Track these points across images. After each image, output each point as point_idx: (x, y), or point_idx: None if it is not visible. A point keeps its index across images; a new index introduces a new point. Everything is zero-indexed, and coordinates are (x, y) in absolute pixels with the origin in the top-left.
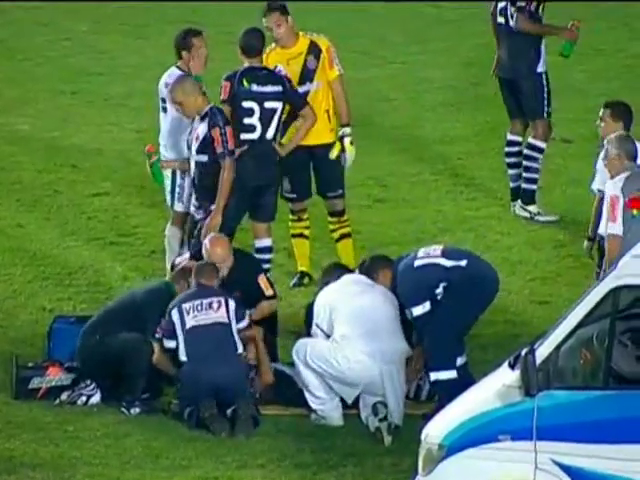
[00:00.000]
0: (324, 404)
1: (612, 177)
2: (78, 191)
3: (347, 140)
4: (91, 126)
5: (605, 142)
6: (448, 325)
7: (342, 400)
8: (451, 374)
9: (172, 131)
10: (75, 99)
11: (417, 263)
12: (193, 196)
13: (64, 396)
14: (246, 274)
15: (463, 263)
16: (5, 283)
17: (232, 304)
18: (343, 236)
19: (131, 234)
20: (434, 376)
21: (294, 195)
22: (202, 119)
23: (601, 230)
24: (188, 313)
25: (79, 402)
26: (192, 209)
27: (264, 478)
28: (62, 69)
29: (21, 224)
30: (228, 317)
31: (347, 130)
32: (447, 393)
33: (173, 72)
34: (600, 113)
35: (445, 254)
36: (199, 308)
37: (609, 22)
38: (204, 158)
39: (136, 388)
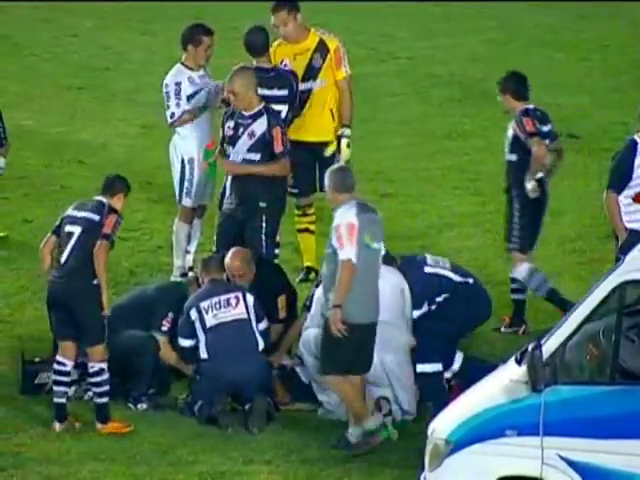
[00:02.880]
0: (330, 395)
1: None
2: (85, 186)
3: (344, 142)
4: (97, 121)
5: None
6: (440, 325)
7: None
8: (436, 367)
9: (186, 125)
10: (81, 95)
11: (428, 270)
12: (229, 193)
13: (71, 391)
14: (265, 291)
15: (471, 281)
16: (12, 278)
17: (250, 298)
18: None
19: (137, 229)
20: (420, 368)
21: (297, 190)
22: (255, 118)
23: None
24: (207, 312)
25: (86, 397)
26: (226, 206)
27: (270, 473)
28: (68, 65)
29: (28, 219)
30: (247, 312)
31: (346, 131)
32: (431, 386)
33: (178, 70)
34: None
35: (454, 269)
36: (217, 306)
37: (615, 18)
38: (256, 157)
39: (142, 384)
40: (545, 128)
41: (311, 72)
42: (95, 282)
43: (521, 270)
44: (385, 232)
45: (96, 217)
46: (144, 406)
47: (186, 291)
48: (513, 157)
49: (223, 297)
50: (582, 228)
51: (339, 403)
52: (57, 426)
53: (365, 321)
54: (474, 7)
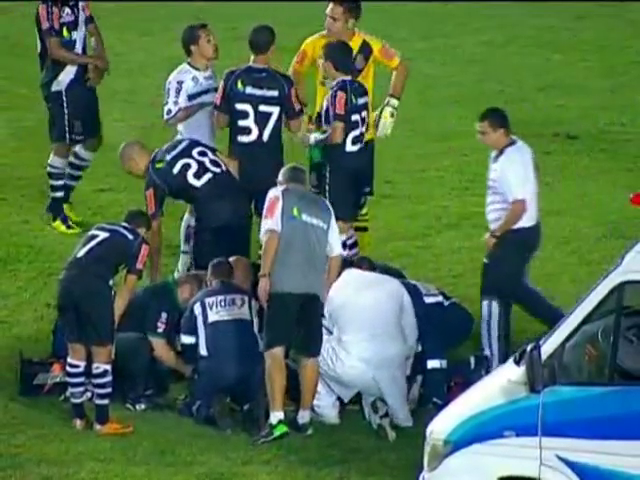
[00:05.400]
0: (320, 400)
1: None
2: (83, 187)
3: (388, 110)
4: None
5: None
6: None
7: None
8: (444, 363)
9: (188, 127)
10: None
11: (427, 300)
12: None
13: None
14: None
15: (456, 300)
16: (10, 279)
17: (255, 304)
18: (357, 229)
19: None
20: (431, 364)
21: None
22: None
23: None
24: (211, 308)
25: (84, 398)
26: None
27: (269, 474)
28: None
29: (26, 220)
30: (250, 315)
31: (393, 101)
32: (438, 381)
33: (184, 69)
34: (478, 127)
35: (441, 293)
36: (222, 304)
37: (614, 19)
38: None
39: (137, 386)
40: (362, 100)
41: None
42: (110, 284)
43: None
44: (384, 233)
45: (129, 235)
46: (142, 406)
47: (174, 289)
48: (329, 128)
49: (229, 296)
50: (580, 229)
51: (329, 406)
52: (78, 423)
53: (286, 290)
54: (472, 8)
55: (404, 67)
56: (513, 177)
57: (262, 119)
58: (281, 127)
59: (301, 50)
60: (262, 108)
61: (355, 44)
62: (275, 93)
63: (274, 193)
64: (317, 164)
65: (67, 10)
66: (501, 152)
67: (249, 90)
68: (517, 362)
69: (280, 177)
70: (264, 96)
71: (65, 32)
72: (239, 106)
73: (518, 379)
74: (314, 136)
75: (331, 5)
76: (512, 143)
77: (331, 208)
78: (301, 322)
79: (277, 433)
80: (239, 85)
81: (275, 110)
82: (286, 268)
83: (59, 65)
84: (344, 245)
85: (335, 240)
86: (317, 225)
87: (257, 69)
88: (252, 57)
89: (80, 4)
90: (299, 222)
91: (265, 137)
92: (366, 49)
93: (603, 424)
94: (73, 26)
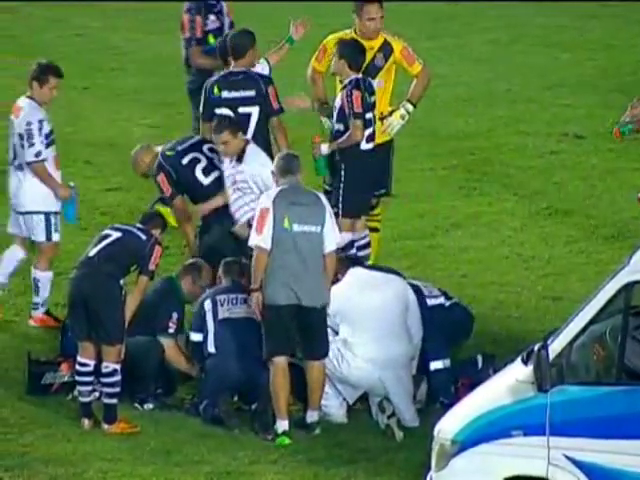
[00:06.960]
0: (327, 399)
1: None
2: (91, 186)
3: (401, 111)
4: (104, 121)
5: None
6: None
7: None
8: (447, 362)
9: None
10: (87, 94)
11: (430, 302)
12: None
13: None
14: None
15: (456, 300)
16: (18, 278)
17: None
18: (369, 230)
19: None
20: (434, 365)
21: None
22: None
23: None
24: (222, 305)
25: (92, 397)
26: None
27: (276, 473)
28: (74, 65)
29: None
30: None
31: (408, 105)
32: (443, 382)
33: None
34: (219, 139)
35: (443, 294)
36: (234, 301)
37: (620, 18)
38: None
39: (148, 387)
40: (372, 99)
41: (371, 71)
42: (121, 283)
43: (343, 238)
44: (392, 232)
45: (142, 236)
46: (150, 406)
47: (179, 284)
48: (340, 127)
49: (241, 295)
50: (588, 229)
51: (337, 406)
52: (86, 422)
53: (278, 303)
54: (479, 8)
55: (426, 75)
56: (267, 170)
57: (243, 120)
58: (265, 125)
59: (321, 47)
60: (241, 110)
61: (377, 43)
62: (252, 93)
63: (264, 204)
64: (332, 162)
65: (212, 17)
66: (241, 154)
67: (225, 94)
68: (525, 362)
69: (273, 168)
70: (241, 97)
71: (211, 39)
72: (218, 110)
73: (526, 378)
74: (326, 146)
75: (375, 6)
76: (247, 143)
77: (326, 203)
78: (300, 331)
79: (279, 444)
80: (215, 91)
81: (254, 110)
82: (277, 282)
83: (204, 73)
84: (354, 245)
85: (329, 237)
86: (309, 231)
87: (236, 72)
88: (232, 64)
89: (224, 10)
90: (290, 234)
91: (248, 137)
92: (387, 48)
93: (611, 423)
94: (219, 32)
